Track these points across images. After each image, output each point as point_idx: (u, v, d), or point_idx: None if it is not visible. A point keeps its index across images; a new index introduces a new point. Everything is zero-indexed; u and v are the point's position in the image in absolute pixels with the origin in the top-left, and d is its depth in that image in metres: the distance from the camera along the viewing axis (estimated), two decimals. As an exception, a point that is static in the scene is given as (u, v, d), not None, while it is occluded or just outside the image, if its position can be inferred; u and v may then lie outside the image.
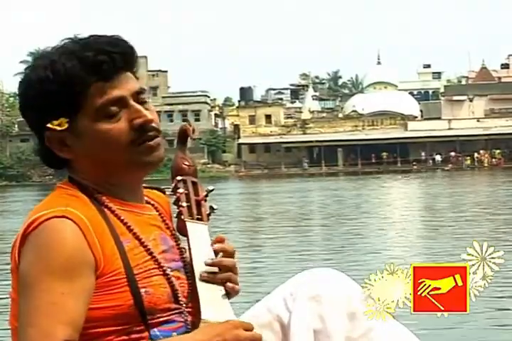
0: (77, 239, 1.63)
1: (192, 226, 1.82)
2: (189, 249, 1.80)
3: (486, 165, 66.93)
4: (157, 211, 1.84)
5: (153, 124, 1.73)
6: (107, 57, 1.69)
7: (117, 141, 1.70)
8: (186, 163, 1.92)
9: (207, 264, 1.78)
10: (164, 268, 1.73)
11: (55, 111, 1.70)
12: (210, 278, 1.76)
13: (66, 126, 1.70)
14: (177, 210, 1.85)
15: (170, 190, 1.89)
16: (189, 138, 1.93)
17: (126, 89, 1.72)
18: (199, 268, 1.76)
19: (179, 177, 1.88)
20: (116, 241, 1.68)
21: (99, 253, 1.65)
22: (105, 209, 1.72)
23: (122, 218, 1.73)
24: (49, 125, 1.70)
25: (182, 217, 1.83)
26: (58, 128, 1.70)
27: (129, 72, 1.75)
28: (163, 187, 1.91)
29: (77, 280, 1.61)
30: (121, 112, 1.71)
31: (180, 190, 1.86)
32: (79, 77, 1.68)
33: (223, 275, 1.79)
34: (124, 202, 1.76)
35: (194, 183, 1.90)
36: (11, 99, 75.92)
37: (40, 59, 1.73)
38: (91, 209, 1.69)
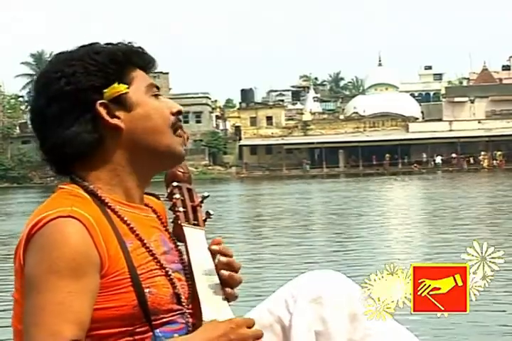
0: (83, 238, 1.63)
1: (189, 231, 1.83)
2: (187, 252, 1.80)
3: (487, 166, 66.83)
4: (155, 214, 1.85)
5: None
6: (144, 51, 1.82)
7: (164, 119, 1.77)
8: (181, 169, 1.93)
9: (222, 263, 1.80)
10: (167, 269, 1.74)
11: (111, 78, 1.74)
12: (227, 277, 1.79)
13: (126, 89, 1.74)
14: (173, 216, 1.85)
15: (165, 196, 1.90)
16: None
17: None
18: (198, 271, 1.77)
19: (175, 183, 1.89)
20: (119, 241, 1.68)
21: (105, 253, 1.65)
22: (108, 210, 1.72)
23: (125, 219, 1.73)
24: (115, 85, 1.73)
25: (179, 221, 1.84)
26: (121, 89, 1.73)
27: None
28: (157, 193, 1.92)
29: (83, 279, 1.62)
30: (158, 99, 1.80)
31: (177, 196, 1.86)
32: (134, 54, 1.78)
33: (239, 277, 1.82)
34: (127, 203, 1.77)
35: (189, 190, 1.91)
36: (12, 100, 75.78)
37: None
38: (95, 210, 1.70)
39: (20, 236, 1.68)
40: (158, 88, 1.81)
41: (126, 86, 1.75)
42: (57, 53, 1.80)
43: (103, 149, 1.74)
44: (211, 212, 1.89)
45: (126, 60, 1.77)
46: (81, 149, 1.72)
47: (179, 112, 1.81)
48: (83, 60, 1.74)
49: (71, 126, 1.71)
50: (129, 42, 1.81)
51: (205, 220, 1.88)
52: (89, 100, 1.72)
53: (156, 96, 1.79)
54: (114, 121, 1.73)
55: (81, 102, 1.72)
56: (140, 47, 1.81)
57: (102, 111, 1.72)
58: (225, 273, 1.80)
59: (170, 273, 1.74)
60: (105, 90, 1.73)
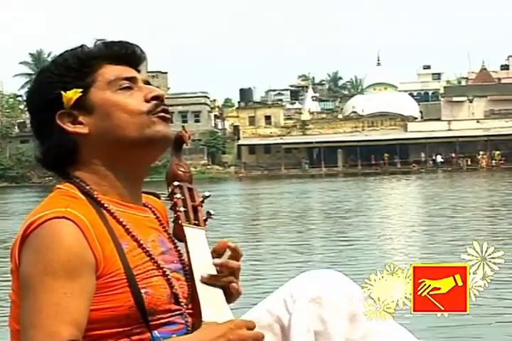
0: (78, 239, 1.62)
1: (189, 231, 1.82)
2: (187, 252, 1.79)
3: (485, 166, 66.86)
4: (154, 214, 1.84)
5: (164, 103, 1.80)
6: (121, 44, 1.80)
7: (131, 111, 1.74)
8: (182, 169, 1.91)
9: (214, 264, 1.77)
10: (164, 269, 1.73)
11: (68, 86, 1.74)
12: (211, 280, 1.76)
13: (79, 94, 1.74)
14: (174, 215, 1.85)
15: (166, 195, 1.89)
16: (184, 144, 1.93)
17: (136, 74, 1.80)
18: (198, 271, 1.77)
19: (176, 183, 1.88)
20: (114, 242, 1.68)
21: (100, 253, 1.65)
22: (104, 211, 1.72)
23: (121, 220, 1.72)
24: (63, 93, 1.74)
25: (179, 221, 1.83)
26: (72, 96, 1.74)
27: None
28: (158, 192, 1.91)
29: (78, 280, 1.61)
30: (133, 89, 1.77)
31: (178, 195, 1.85)
32: (94, 54, 1.77)
33: (227, 278, 1.78)
34: (123, 204, 1.76)
35: (190, 189, 1.90)
36: (11, 100, 75.80)
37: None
38: (90, 211, 1.69)
39: (16, 236, 1.68)
40: (131, 79, 1.78)
41: (80, 90, 1.75)
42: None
43: (82, 153, 1.76)
44: (212, 212, 1.88)
45: (83, 63, 1.76)
46: (59, 158, 1.76)
47: (156, 97, 1.77)
48: (44, 74, 1.78)
49: (47, 137, 1.76)
50: (99, 40, 1.80)
51: (205, 220, 1.88)
52: (52, 113, 1.75)
53: (127, 88, 1.77)
54: (76, 128, 1.75)
55: (47, 115, 1.75)
56: (111, 42, 1.80)
57: (63, 121, 1.75)
58: (216, 261, 1.77)
59: (167, 273, 1.73)
60: (63, 93, 1.75)
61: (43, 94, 1.76)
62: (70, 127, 1.74)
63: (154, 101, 1.77)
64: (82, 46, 1.79)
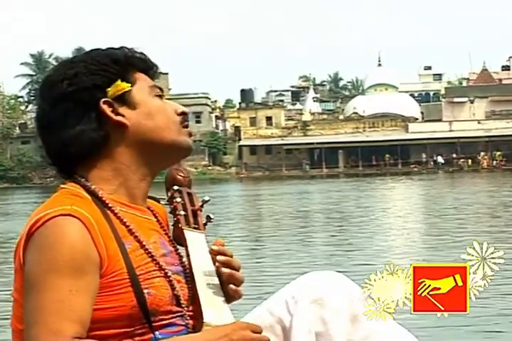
0: (83, 237, 1.63)
1: (189, 234, 1.83)
2: (187, 255, 1.80)
3: (486, 167, 66.82)
4: (155, 217, 1.85)
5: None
6: (151, 61, 1.86)
7: (170, 117, 1.79)
8: (181, 174, 1.92)
9: (219, 261, 1.80)
10: (166, 270, 1.74)
11: (115, 77, 1.76)
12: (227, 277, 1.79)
13: (129, 87, 1.76)
14: (174, 219, 1.85)
15: (165, 200, 1.90)
16: None
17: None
18: (199, 273, 1.77)
19: (176, 187, 1.89)
20: (118, 242, 1.68)
21: (104, 252, 1.65)
22: (108, 211, 1.72)
23: (125, 220, 1.73)
24: (118, 82, 1.75)
25: (179, 225, 1.84)
26: (124, 87, 1.76)
27: None
28: (158, 197, 1.92)
29: (83, 277, 1.62)
30: (162, 100, 1.83)
31: (178, 200, 1.86)
32: (135, 58, 1.81)
33: (229, 271, 1.81)
34: (127, 204, 1.77)
35: (189, 194, 1.91)
36: (12, 101, 75.75)
37: None
38: (95, 210, 1.70)
39: (20, 235, 1.67)
40: (161, 90, 1.83)
41: (129, 84, 1.77)
42: (60, 61, 1.84)
43: (108, 148, 1.75)
44: (211, 216, 1.89)
45: (127, 61, 1.79)
46: (86, 147, 1.72)
47: (184, 113, 1.83)
48: (85, 61, 1.77)
49: (76, 125, 1.72)
50: (131, 48, 1.83)
51: (205, 224, 1.89)
52: (93, 99, 1.73)
53: (160, 97, 1.82)
54: (119, 118, 1.75)
55: (85, 101, 1.73)
56: (142, 53, 1.83)
57: (106, 108, 1.74)
58: (225, 270, 1.80)
59: (169, 274, 1.74)
60: (108, 89, 1.75)
61: (87, 77, 1.74)
62: (113, 115, 1.75)
63: (182, 116, 1.82)
64: (121, 48, 1.82)
